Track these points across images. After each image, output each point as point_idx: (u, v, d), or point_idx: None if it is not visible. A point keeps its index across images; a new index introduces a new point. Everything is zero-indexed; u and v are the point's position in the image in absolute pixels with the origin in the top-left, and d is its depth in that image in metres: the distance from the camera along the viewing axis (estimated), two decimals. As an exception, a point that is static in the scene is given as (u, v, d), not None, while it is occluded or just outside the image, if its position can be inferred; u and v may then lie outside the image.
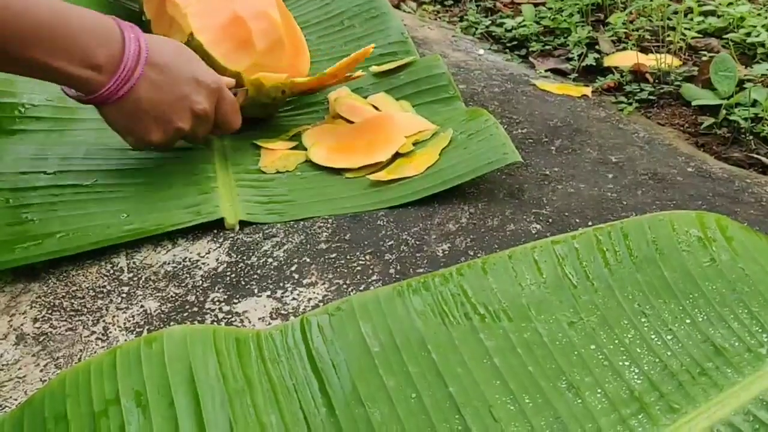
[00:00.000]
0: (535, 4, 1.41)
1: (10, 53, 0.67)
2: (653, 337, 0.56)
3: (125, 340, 0.64)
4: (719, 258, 0.62)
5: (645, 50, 1.22)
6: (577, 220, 0.76)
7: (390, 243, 0.74)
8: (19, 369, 0.63)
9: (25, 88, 0.92)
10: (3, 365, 0.63)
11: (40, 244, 0.73)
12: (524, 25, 1.32)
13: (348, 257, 0.72)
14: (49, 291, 0.70)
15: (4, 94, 0.90)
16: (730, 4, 1.29)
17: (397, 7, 1.49)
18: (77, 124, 0.91)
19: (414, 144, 0.85)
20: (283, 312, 0.66)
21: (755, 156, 0.93)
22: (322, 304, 0.67)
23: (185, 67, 0.77)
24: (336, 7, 1.14)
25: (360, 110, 0.92)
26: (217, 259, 0.73)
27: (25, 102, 0.91)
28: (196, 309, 0.67)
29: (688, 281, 0.60)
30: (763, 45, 1.16)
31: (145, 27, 0.96)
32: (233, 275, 0.71)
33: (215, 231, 0.77)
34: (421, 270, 0.70)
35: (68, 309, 0.68)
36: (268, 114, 0.94)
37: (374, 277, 0.70)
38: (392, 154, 0.84)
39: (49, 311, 0.68)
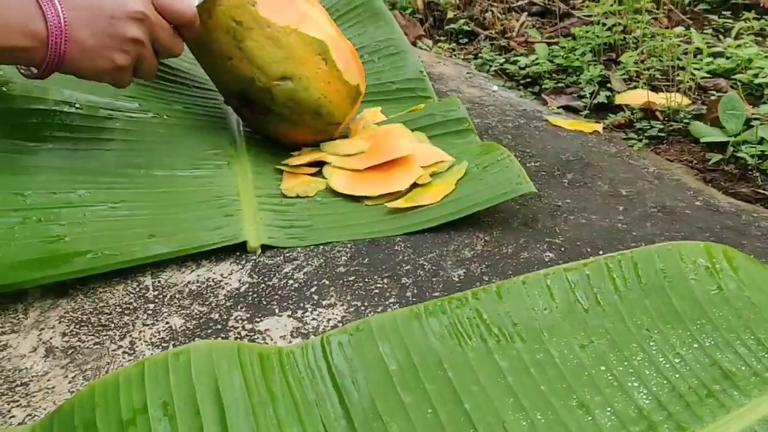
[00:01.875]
0: (548, 43, 1.45)
1: None
2: (661, 359, 0.58)
3: (151, 354, 0.67)
4: (726, 287, 0.64)
5: (655, 89, 1.25)
6: (589, 250, 0.79)
7: (407, 267, 0.76)
8: (48, 380, 0.65)
9: (56, 94, 0.95)
10: (33, 377, 0.66)
11: (70, 262, 0.76)
12: (537, 63, 1.35)
13: (366, 280, 0.75)
14: (77, 307, 0.73)
15: (36, 101, 0.93)
16: (739, 46, 1.33)
17: (414, 44, 1.53)
18: (105, 134, 0.94)
19: (431, 175, 0.88)
20: (303, 331, 0.69)
21: (762, 191, 0.96)
22: (341, 324, 0.69)
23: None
24: (357, 42, 1.18)
25: (380, 138, 0.95)
26: (240, 280, 0.76)
27: (56, 109, 0.94)
28: (219, 326, 0.69)
29: (696, 308, 0.63)
30: (770, 86, 1.19)
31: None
32: (255, 295, 0.74)
33: (238, 253, 0.80)
34: (437, 294, 0.73)
35: (96, 324, 0.71)
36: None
37: (391, 300, 0.72)
38: (410, 184, 0.87)
39: (77, 326, 0.71)
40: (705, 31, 1.49)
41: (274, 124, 0.95)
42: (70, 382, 0.65)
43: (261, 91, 0.92)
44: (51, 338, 0.69)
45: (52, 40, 0.76)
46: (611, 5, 1.41)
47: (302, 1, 0.96)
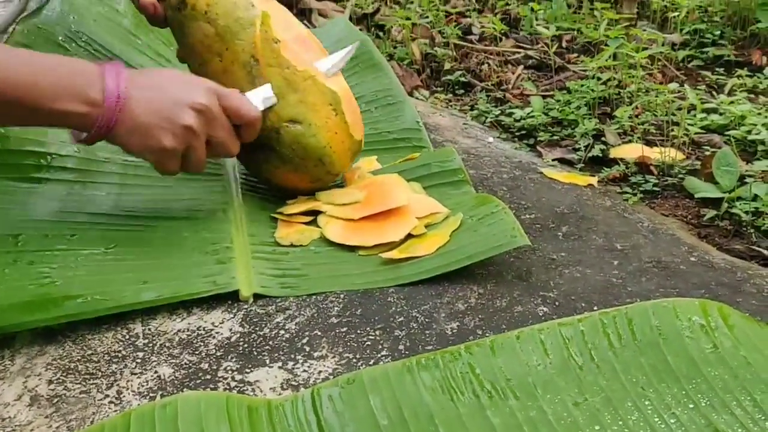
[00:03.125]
0: (544, 96, 1.46)
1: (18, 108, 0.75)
2: (656, 419, 0.57)
3: (138, 404, 0.65)
4: (721, 345, 0.64)
5: (650, 143, 1.26)
6: (583, 304, 0.78)
7: (400, 320, 0.76)
8: (32, 430, 0.64)
9: (54, 138, 0.95)
10: (16, 426, 0.64)
11: (60, 306, 0.75)
12: (533, 116, 1.37)
13: (358, 332, 0.74)
14: (64, 354, 0.72)
15: (33, 143, 0.94)
16: (732, 102, 1.35)
17: (411, 94, 1.55)
18: (100, 177, 0.95)
19: (426, 226, 0.88)
20: (293, 383, 0.68)
21: (756, 248, 0.96)
22: (332, 377, 0.68)
23: (175, 80, 0.83)
24: (356, 91, 1.18)
25: (376, 188, 0.96)
26: (231, 329, 0.75)
27: (53, 152, 0.94)
28: (209, 376, 0.68)
29: (691, 366, 0.62)
30: (763, 142, 1.20)
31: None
32: (246, 345, 0.73)
33: (230, 301, 0.79)
34: (430, 347, 0.72)
35: (83, 372, 0.70)
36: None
37: (384, 353, 0.71)
38: (405, 234, 0.86)
39: (64, 374, 0.70)
40: (699, 87, 1.51)
41: (273, 166, 0.95)
42: (54, 432, 0.63)
43: (269, 130, 0.92)
44: (37, 386, 0.68)
45: (104, 112, 0.77)
46: (606, 60, 1.42)
47: (321, 48, 0.97)
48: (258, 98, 0.90)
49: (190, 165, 0.85)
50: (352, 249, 0.87)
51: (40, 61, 0.76)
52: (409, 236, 0.87)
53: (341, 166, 0.96)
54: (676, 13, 1.75)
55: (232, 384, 0.67)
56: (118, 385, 0.68)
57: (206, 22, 0.92)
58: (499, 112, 1.44)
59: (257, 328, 0.75)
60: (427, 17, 1.87)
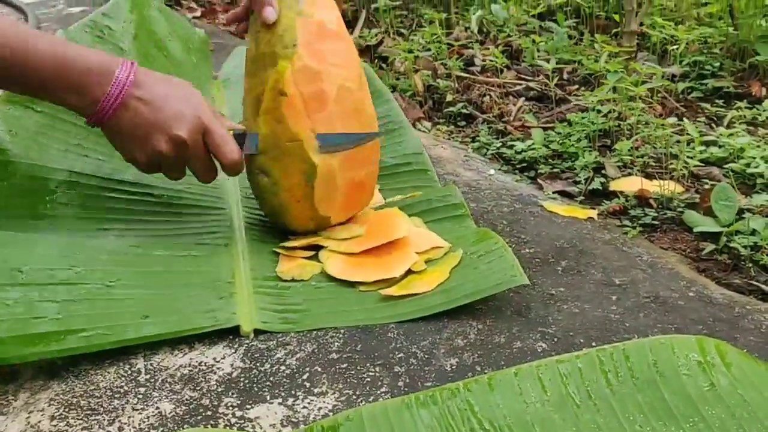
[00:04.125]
0: (545, 129, 1.48)
1: (15, 83, 0.84)
2: (653, 459, 0.57)
3: (139, 441, 0.66)
4: (719, 383, 0.64)
5: (649, 176, 1.27)
6: (582, 340, 0.79)
7: (400, 356, 0.76)
8: (34, 466, 0.65)
9: (59, 174, 0.97)
10: (18, 461, 0.65)
11: (63, 340, 0.75)
12: (533, 148, 1.38)
13: (358, 368, 0.75)
14: (67, 389, 0.73)
15: (38, 180, 0.95)
16: (731, 135, 1.36)
17: (413, 125, 1.56)
18: (107, 213, 0.96)
19: (426, 262, 0.89)
20: (293, 420, 0.68)
21: (755, 283, 0.96)
22: (331, 413, 0.69)
23: (172, 101, 0.87)
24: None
25: (377, 221, 0.97)
26: (232, 365, 0.76)
27: (58, 188, 0.96)
28: (209, 413, 0.69)
29: (689, 405, 0.62)
30: (762, 176, 1.21)
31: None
32: (247, 381, 0.73)
33: (231, 336, 0.80)
34: (429, 383, 0.72)
35: (85, 408, 0.70)
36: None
37: (383, 389, 0.72)
38: (405, 270, 0.87)
39: (67, 409, 0.70)
40: (698, 119, 1.52)
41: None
42: (55, 469, 0.64)
43: (249, 169, 0.95)
44: (39, 422, 0.69)
45: (96, 112, 0.85)
46: (606, 93, 1.44)
47: (371, 117, 0.97)
48: (248, 141, 0.92)
49: (169, 176, 0.92)
50: (353, 284, 0.87)
51: (62, 53, 0.83)
52: (410, 272, 0.88)
53: (300, 228, 0.97)
54: (676, 46, 1.77)
55: (233, 420, 0.68)
56: (119, 421, 0.68)
57: (254, 42, 0.94)
58: (501, 144, 1.45)
59: (258, 364, 0.76)
60: (430, 49, 1.89)
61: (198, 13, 2.57)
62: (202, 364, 0.76)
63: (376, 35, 2.10)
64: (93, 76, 0.84)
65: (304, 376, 0.74)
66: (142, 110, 0.85)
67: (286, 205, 0.93)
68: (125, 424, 0.68)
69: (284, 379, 0.73)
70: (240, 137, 0.91)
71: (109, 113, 0.85)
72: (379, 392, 0.71)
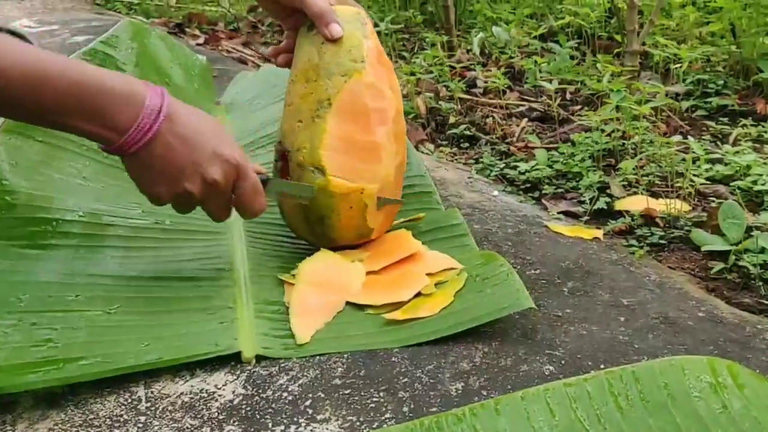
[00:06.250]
0: (548, 149, 1.47)
1: (34, 113, 0.76)
2: (666, 485, 0.56)
3: (139, 471, 0.65)
4: (731, 405, 0.63)
5: (655, 195, 1.26)
6: (590, 363, 0.77)
7: (404, 380, 0.75)
8: (31, 498, 0.63)
9: (60, 203, 0.96)
10: (15, 494, 0.64)
11: (62, 368, 0.74)
12: (537, 169, 1.37)
13: (362, 394, 0.73)
14: (66, 419, 0.71)
15: (39, 210, 0.94)
16: (737, 152, 1.35)
17: (416, 148, 1.55)
18: (105, 241, 0.95)
19: (436, 285, 0.88)
20: (296, 447, 0.67)
21: (765, 302, 0.95)
22: (335, 440, 0.67)
23: (207, 139, 0.81)
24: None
25: (383, 244, 0.96)
26: (234, 392, 0.74)
27: (59, 217, 0.95)
28: (210, 442, 0.68)
29: (701, 428, 0.61)
30: (769, 193, 1.20)
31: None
32: (249, 408, 0.72)
33: (233, 363, 0.79)
34: (435, 409, 0.71)
35: (84, 438, 0.69)
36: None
37: (387, 415, 0.70)
38: (414, 293, 0.86)
39: (65, 439, 0.69)
40: (703, 137, 1.52)
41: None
42: (53, 501, 0.62)
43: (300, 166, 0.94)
44: (37, 452, 0.67)
45: (124, 141, 0.77)
46: (610, 112, 1.43)
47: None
48: (301, 189, 0.91)
49: (211, 215, 0.87)
50: (360, 307, 0.86)
51: (79, 72, 0.76)
52: (418, 294, 0.86)
53: (339, 238, 0.95)
54: (679, 65, 1.76)
55: (234, 449, 0.67)
56: (118, 451, 0.67)
57: (317, 53, 0.94)
58: (504, 165, 1.44)
59: (260, 390, 0.74)
60: (432, 72, 1.89)
61: (201, 40, 2.58)
62: (204, 391, 0.75)
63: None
64: (118, 104, 0.76)
65: (307, 403, 0.72)
66: (177, 147, 0.79)
67: (336, 208, 0.92)
68: (124, 454, 0.67)
69: (286, 406, 0.72)
70: (264, 182, 0.88)
71: (138, 145, 0.78)
72: (383, 418, 0.70)
